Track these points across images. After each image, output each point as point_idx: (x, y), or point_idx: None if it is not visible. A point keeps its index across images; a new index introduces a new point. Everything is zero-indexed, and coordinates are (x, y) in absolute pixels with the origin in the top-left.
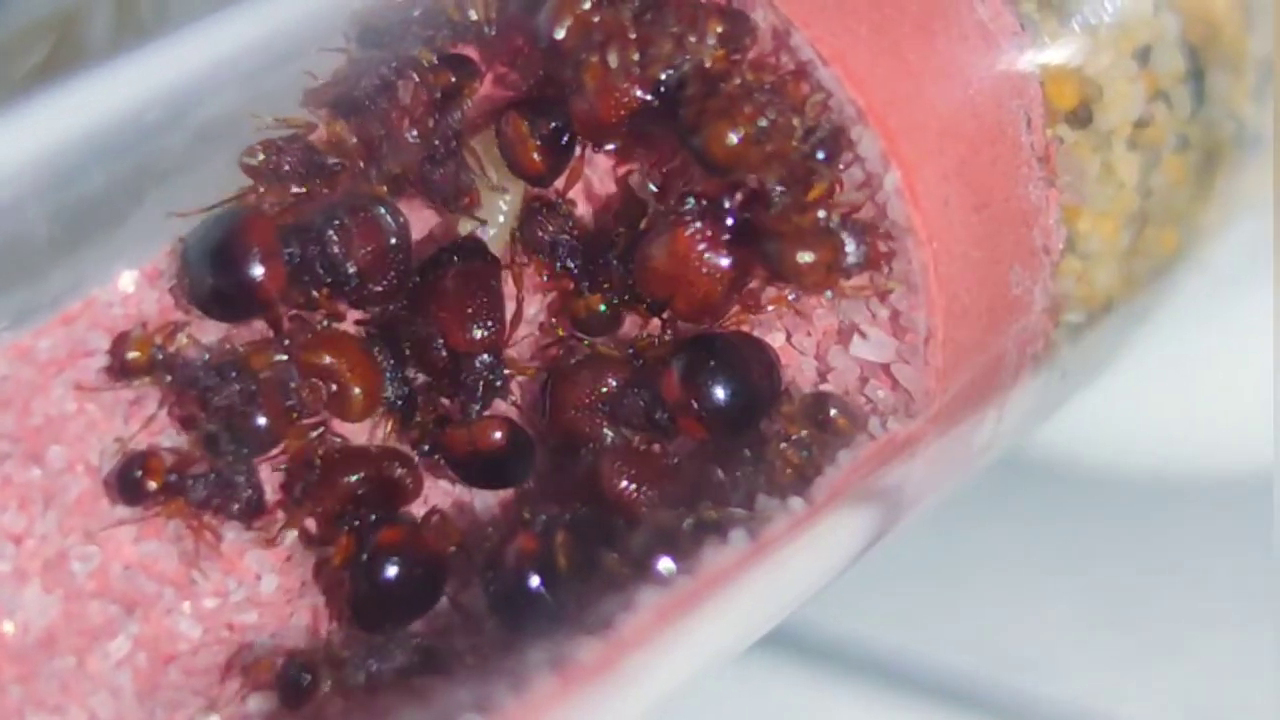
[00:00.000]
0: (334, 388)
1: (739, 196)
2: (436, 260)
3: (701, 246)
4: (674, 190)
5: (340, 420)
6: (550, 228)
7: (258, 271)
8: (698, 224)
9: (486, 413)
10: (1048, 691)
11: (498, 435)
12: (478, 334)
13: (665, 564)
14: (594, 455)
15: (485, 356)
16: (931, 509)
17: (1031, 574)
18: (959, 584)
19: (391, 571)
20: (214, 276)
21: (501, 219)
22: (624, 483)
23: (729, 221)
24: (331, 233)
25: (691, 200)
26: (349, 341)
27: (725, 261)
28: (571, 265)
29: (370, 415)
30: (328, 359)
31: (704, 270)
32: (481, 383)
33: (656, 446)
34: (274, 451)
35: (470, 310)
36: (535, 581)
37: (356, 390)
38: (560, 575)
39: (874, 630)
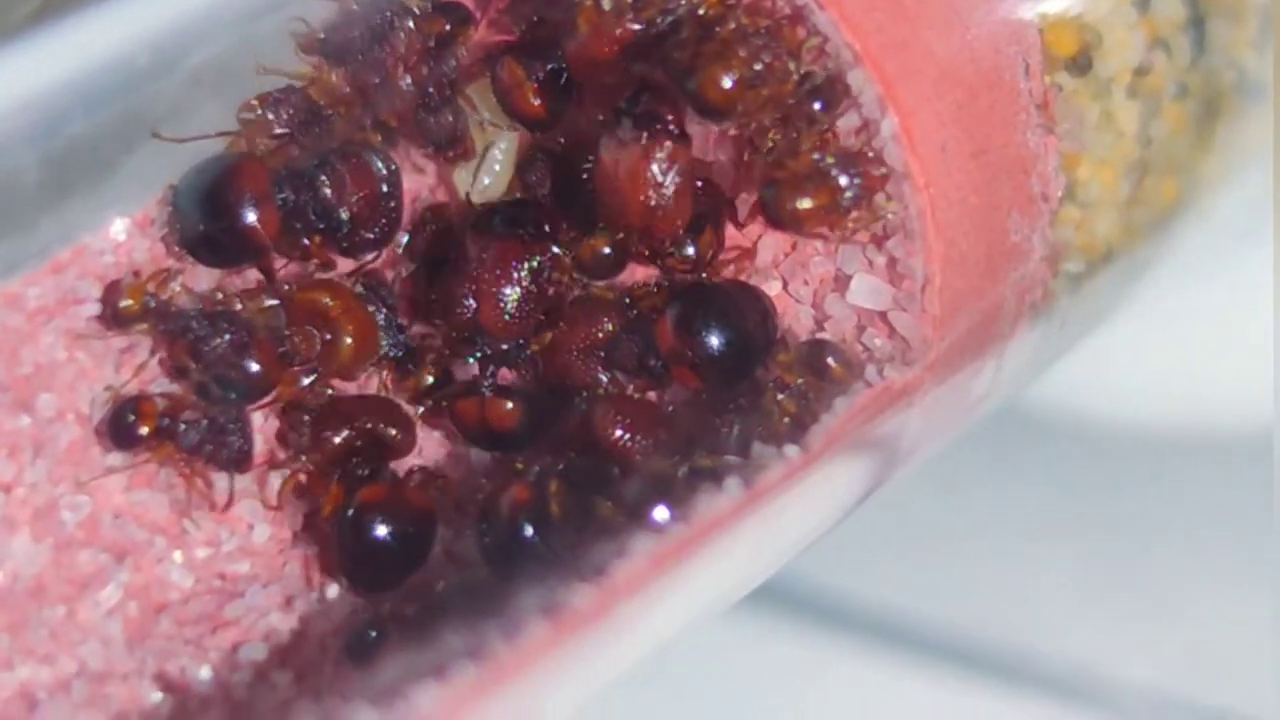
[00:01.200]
0: (327, 337)
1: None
2: (487, 220)
3: (638, 152)
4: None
5: (333, 372)
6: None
7: (251, 216)
8: (632, 128)
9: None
10: (1048, 650)
11: (510, 410)
12: (510, 318)
13: (660, 512)
14: (588, 403)
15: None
16: (929, 460)
17: (1031, 532)
18: (958, 542)
19: (376, 531)
20: (206, 221)
21: (498, 168)
22: (618, 431)
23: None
24: (324, 178)
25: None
26: (343, 291)
27: (665, 167)
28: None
29: (362, 367)
30: (321, 304)
31: (645, 177)
32: (499, 359)
33: (652, 394)
34: (267, 400)
35: (509, 290)
36: (529, 531)
37: (348, 340)
38: (554, 524)
39: (872, 589)
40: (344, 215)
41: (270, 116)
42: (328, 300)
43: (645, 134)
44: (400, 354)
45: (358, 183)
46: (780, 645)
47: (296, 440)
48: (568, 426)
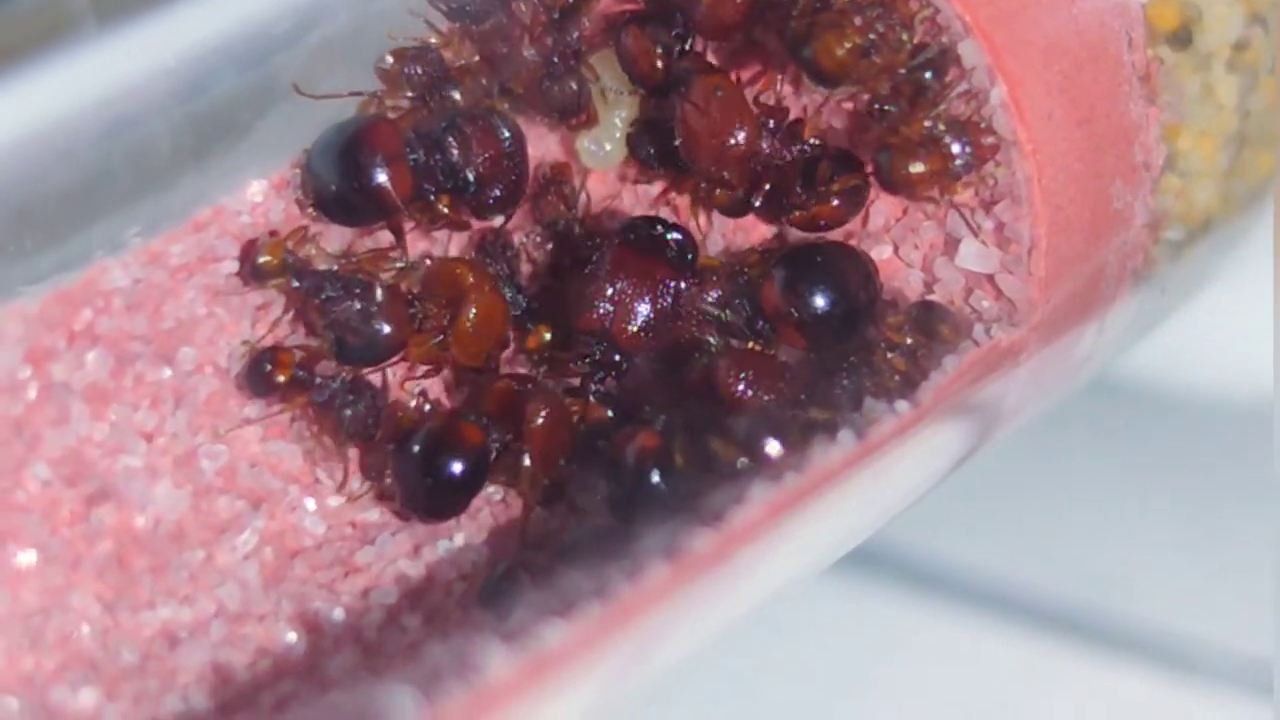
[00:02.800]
0: (458, 321)
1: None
2: (638, 232)
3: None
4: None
5: (454, 344)
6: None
7: (383, 176)
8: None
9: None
10: (1137, 610)
11: (648, 446)
12: (639, 334)
13: (773, 446)
14: (709, 358)
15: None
16: (1032, 420)
17: (1122, 495)
18: (1054, 507)
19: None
20: (339, 180)
21: (619, 135)
22: (740, 385)
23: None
24: (451, 139)
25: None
26: (481, 272)
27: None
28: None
29: (483, 346)
30: (456, 277)
31: (726, 119)
32: (609, 368)
33: (771, 350)
34: (393, 360)
35: (644, 308)
36: (655, 477)
37: (472, 313)
38: (677, 471)
39: (967, 553)
40: (471, 176)
41: (406, 71)
42: (464, 275)
43: (695, 78)
44: (519, 312)
45: (484, 145)
46: (875, 605)
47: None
48: (690, 380)
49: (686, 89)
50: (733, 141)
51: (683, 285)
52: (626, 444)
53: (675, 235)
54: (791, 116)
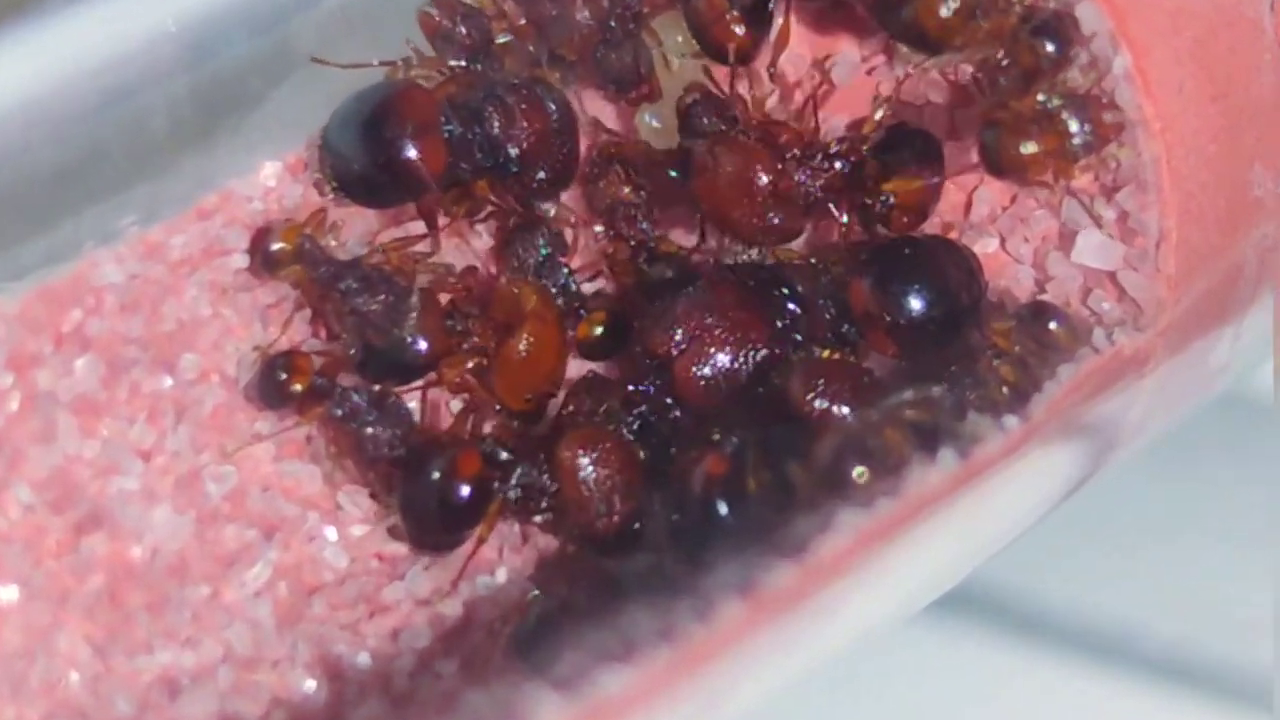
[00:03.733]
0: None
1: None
2: (749, 272)
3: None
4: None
5: (496, 377)
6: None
7: (413, 149)
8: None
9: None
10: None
11: (715, 472)
12: (702, 376)
13: (859, 470)
14: (784, 368)
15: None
16: (1158, 439)
17: (1261, 526)
18: (1174, 538)
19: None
20: (363, 153)
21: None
22: (819, 400)
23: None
24: (492, 110)
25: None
26: (549, 304)
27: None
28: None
29: (526, 386)
30: (519, 302)
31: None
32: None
33: (852, 356)
34: (419, 384)
35: (722, 358)
36: (724, 509)
37: (523, 346)
38: (750, 499)
39: (1076, 591)
40: (513, 153)
41: (445, 24)
42: (526, 298)
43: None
44: (569, 297)
45: (529, 118)
46: (974, 651)
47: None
48: (762, 394)
49: (690, 162)
50: (758, 186)
51: (773, 349)
52: (692, 469)
53: (793, 306)
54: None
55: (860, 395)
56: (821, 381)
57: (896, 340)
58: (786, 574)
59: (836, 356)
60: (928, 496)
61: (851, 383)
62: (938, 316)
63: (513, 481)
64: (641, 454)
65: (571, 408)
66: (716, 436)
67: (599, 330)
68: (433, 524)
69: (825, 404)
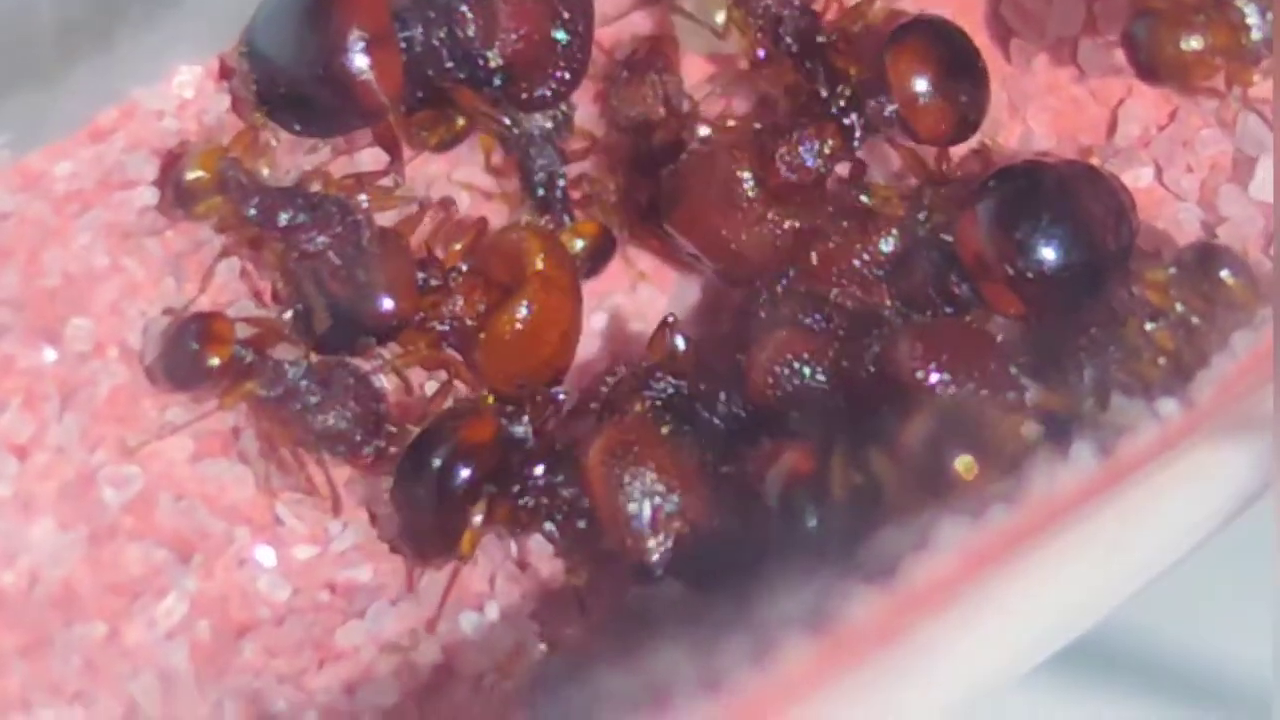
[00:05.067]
0: (524, 323)
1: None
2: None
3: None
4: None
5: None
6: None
7: (362, 61)
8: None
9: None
10: None
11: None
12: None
13: (964, 461)
14: (882, 339)
15: None
16: None
17: None
18: None
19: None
20: (297, 67)
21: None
22: (931, 370)
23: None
24: (466, 7)
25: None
26: (564, 258)
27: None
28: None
29: (513, 382)
30: (521, 252)
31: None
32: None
33: (967, 317)
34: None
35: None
36: (813, 519)
37: (523, 310)
38: (834, 506)
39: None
40: (494, 61)
41: None
42: (530, 251)
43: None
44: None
45: (519, 13)
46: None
47: None
48: (857, 371)
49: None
50: (741, 189)
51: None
52: (767, 468)
53: (822, 321)
54: None
55: (981, 364)
56: (936, 350)
57: (1021, 296)
58: (869, 605)
59: (953, 321)
60: (1057, 505)
61: (975, 350)
62: (1074, 266)
63: (530, 481)
64: (695, 455)
65: (602, 403)
66: (797, 425)
67: (579, 244)
68: (428, 512)
69: (941, 377)
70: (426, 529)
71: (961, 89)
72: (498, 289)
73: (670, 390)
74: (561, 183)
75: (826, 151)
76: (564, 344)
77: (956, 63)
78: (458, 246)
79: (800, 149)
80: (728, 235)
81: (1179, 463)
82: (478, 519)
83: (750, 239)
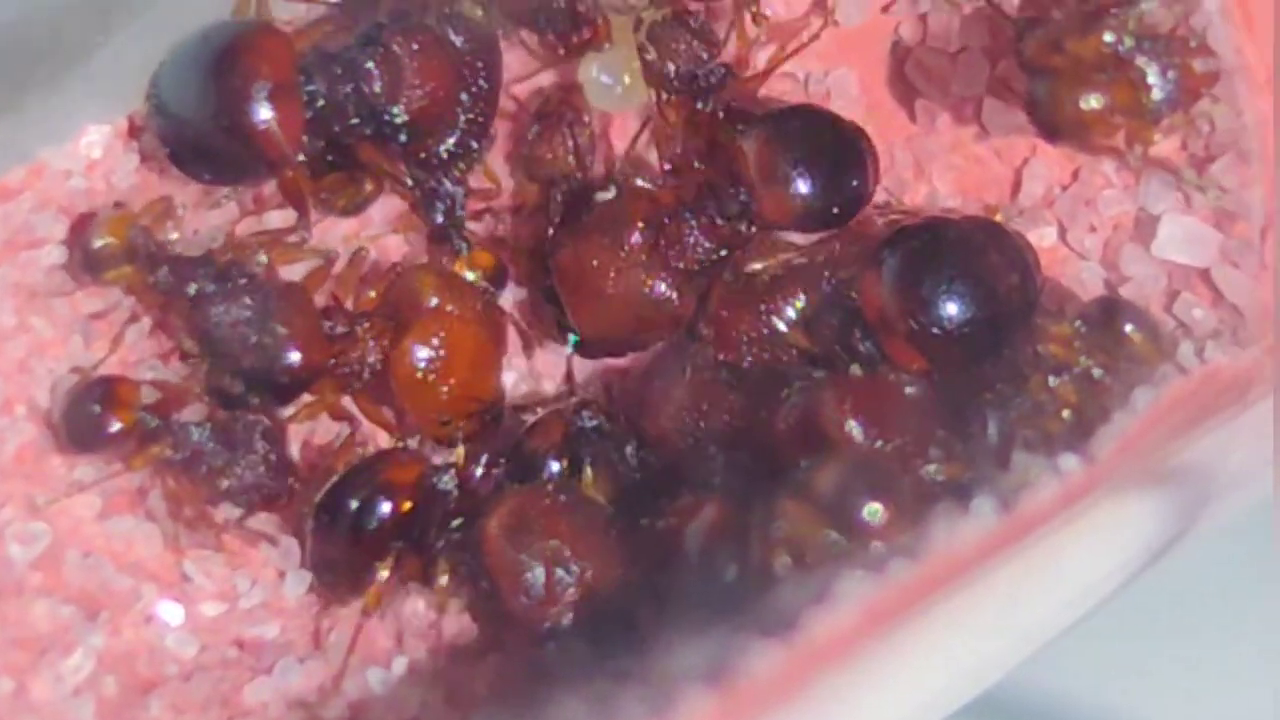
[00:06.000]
0: (427, 360)
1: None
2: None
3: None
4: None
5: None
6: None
7: (264, 112)
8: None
9: None
10: None
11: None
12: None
13: (871, 509)
14: (800, 393)
15: None
16: (1268, 495)
17: None
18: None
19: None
20: (200, 114)
21: (638, 63)
22: (857, 424)
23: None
24: (371, 62)
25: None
26: (466, 291)
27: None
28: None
29: (436, 422)
30: (421, 293)
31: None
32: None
33: (892, 376)
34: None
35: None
36: (731, 571)
37: (423, 351)
38: (751, 558)
39: (1158, 699)
40: (399, 117)
41: None
42: (424, 288)
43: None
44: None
45: (425, 70)
46: None
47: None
48: (778, 427)
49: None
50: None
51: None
52: (686, 521)
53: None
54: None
55: (907, 421)
56: (860, 405)
57: (924, 352)
58: (769, 659)
59: (868, 376)
60: (958, 560)
61: (895, 407)
62: (977, 322)
63: (444, 535)
64: (598, 516)
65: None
66: (717, 479)
67: (472, 276)
68: (342, 546)
69: (867, 432)
70: (339, 564)
71: (818, 180)
72: (401, 330)
73: (588, 428)
74: (460, 212)
75: (714, 240)
76: (477, 374)
77: (815, 155)
78: (371, 294)
79: (691, 231)
80: (605, 289)
81: (1080, 519)
82: (384, 573)
83: (623, 301)
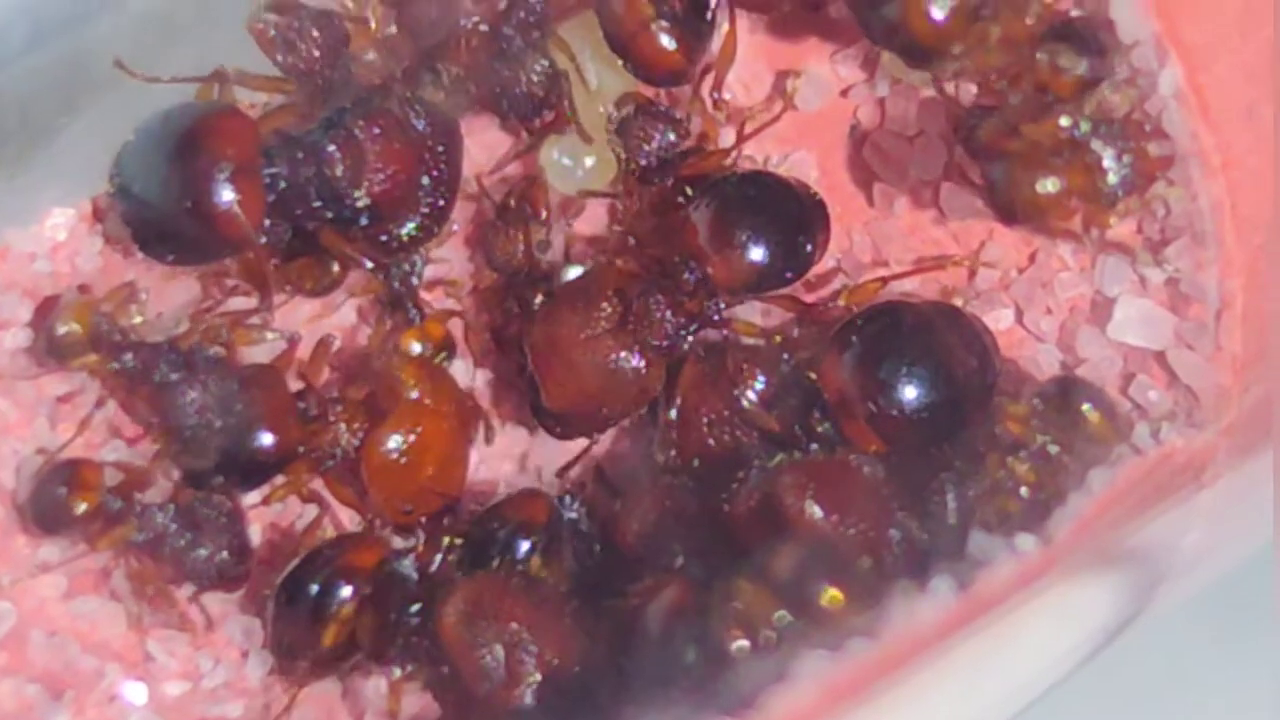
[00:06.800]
0: (401, 450)
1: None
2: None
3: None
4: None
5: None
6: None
7: (225, 193)
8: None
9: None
10: None
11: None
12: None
13: (827, 594)
14: (761, 474)
15: None
16: (1223, 576)
17: None
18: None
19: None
20: (161, 195)
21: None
22: (816, 507)
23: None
24: (333, 146)
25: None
26: (446, 387)
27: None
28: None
29: (401, 510)
30: (400, 384)
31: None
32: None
33: (852, 458)
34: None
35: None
36: (691, 654)
37: (395, 438)
38: (711, 638)
39: None
40: (360, 200)
41: (292, 32)
42: (404, 382)
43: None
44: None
45: (386, 154)
46: None
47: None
48: (737, 510)
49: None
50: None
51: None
52: (650, 602)
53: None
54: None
55: (868, 504)
56: (820, 488)
57: (882, 434)
58: None
59: (827, 458)
60: (916, 639)
61: (856, 489)
62: (935, 405)
63: (404, 619)
64: (556, 593)
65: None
66: (680, 561)
67: (418, 348)
68: (302, 628)
69: (828, 515)
70: (299, 645)
71: (766, 240)
72: (377, 415)
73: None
74: (416, 282)
75: (683, 315)
76: (445, 470)
77: (761, 215)
78: (352, 391)
79: (659, 307)
80: (575, 360)
81: (1037, 599)
82: (348, 659)
83: (593, 372)
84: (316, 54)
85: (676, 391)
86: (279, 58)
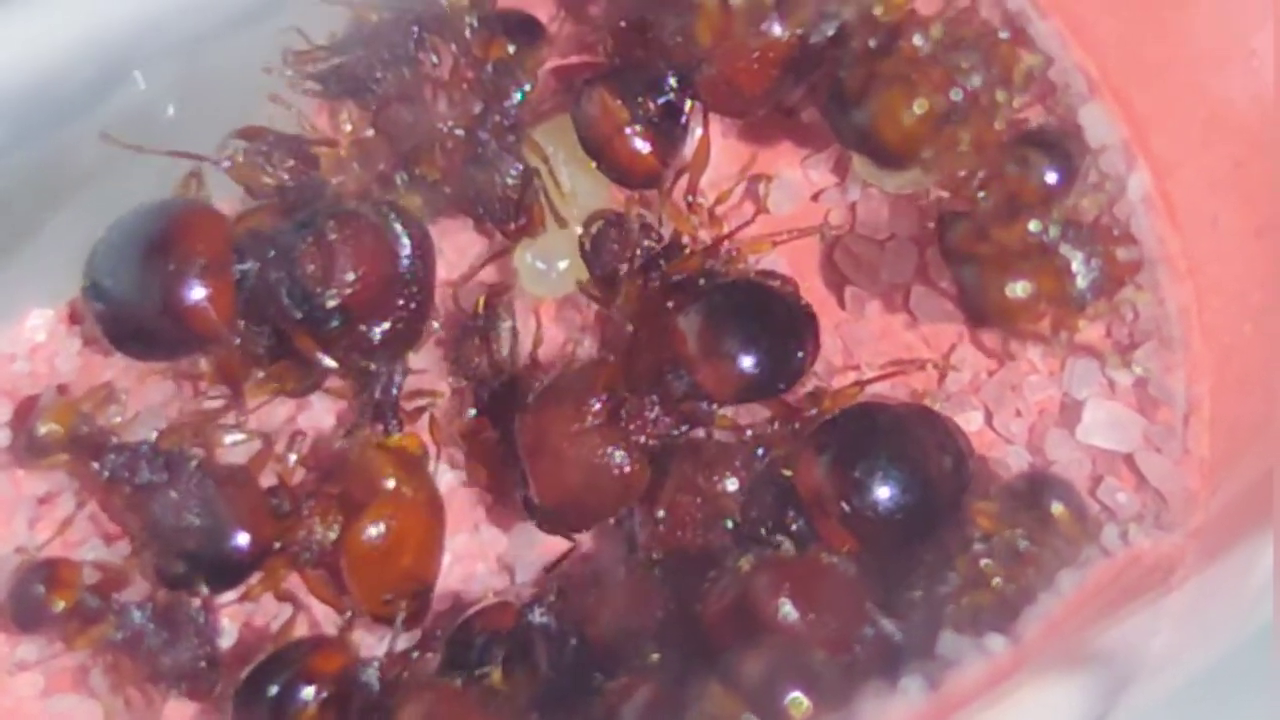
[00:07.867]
0: (381, 539)
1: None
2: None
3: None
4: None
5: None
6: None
7: (196, 291)
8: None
9: None
10: None
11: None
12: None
13: (794, 699)
14: (738, 574)
15: None
16: (1191, 677)
17: None
18: None
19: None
20: (132, 291)
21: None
22: (792, 607)
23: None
24: (305, 247)
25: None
26: (421, 478)
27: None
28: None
29: (380, 601)
30: (376, 474)
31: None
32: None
33: (825, 556)
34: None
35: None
36: None
37: (373, 531)
38: None
39: None
40: (331, 301)
41: (260, 159)
42: (381, 470)
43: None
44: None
45: (359, 260)
46: None
47: None
48: (709, 610)
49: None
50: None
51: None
52: (622, 704)
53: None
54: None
55: (843, 602)
56: (797, 587)
57: (856, 533)
58: None
59: (803, 557)
60: None
61: (834, 588)
62: (909, 506)
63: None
64: (512, 704)
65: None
66: (655, 657)
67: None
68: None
69: (804, 614)
70: None
71: (757, 351)
72: (353, 508)
73: (537, 624)
74: (394, 392)
75: (674, 417)
76: (422, 556)
77: (751, 326)
78: (328, 487)
79: (652, 407)
80: (564, 454)
81: (1005, 699)
82: None
83: (581, 467)
84: (285, 177)
85: (665, 489)
86: (247, 184)
